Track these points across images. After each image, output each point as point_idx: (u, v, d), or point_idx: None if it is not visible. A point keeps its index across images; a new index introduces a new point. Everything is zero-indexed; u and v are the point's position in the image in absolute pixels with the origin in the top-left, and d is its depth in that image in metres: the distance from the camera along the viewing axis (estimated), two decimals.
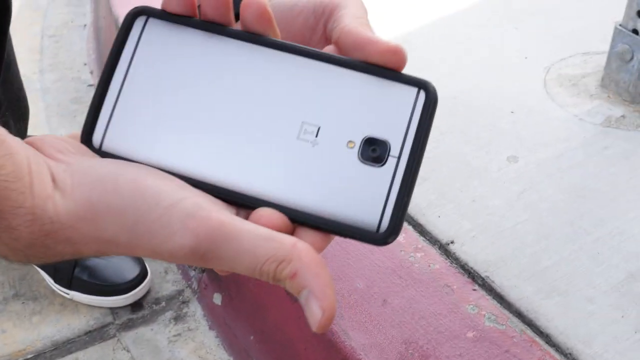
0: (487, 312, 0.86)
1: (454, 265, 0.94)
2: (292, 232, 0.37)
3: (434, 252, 0.95)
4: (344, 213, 0.37)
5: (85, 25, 2.04)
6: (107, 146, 0.39)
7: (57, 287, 1.16)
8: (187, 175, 0.38)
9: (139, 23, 0.40)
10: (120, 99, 0.39)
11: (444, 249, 0.96)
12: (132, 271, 1.14)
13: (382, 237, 0.36)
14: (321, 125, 0.38)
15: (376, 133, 0.37)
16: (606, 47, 1.26)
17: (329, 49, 0.41)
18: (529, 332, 0.85)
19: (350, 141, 0.37)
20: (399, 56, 0.39)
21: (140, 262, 1.16)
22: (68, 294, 1.15)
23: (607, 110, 1.21)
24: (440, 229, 0.99)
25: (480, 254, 0.95)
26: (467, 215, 1.00)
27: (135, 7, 0.40)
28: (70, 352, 1.08)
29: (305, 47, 0.39)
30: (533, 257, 0.94)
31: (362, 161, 0.37)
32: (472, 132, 1.17)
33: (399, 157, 0.37)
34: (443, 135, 1.17)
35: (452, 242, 0.96)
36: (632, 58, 1.20)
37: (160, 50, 0.40)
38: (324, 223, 0.37)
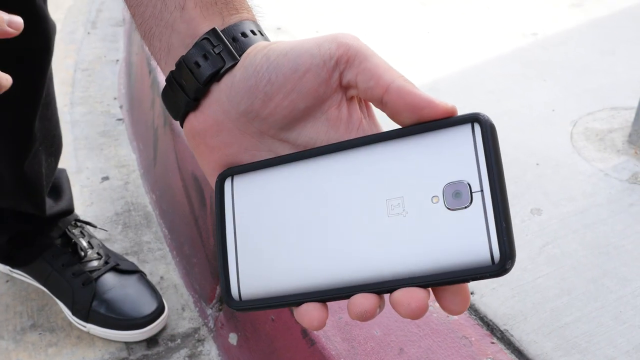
0: None
1: (473, 317, 0.92)
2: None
3: None
4: (457, 261, 0.38)
5: (117, 61, 2.08)
6: (246, 295, 0.44)
7: (74, 320, 1.16)
8: (324, 289, 0.42)
9: (227, 183, 0.45)
10: (239, 252, 0.44)
11: None
12: (149, 306, 1.14)
13: (499, 267, 0.38)
14: (403, 195, 0.40)
15: (452, 179, 0.39)
16: (634, 102, 1.25)
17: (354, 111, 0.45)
18: None
19: (434, 196, 0.39)
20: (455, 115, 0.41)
21: (157, 297, 1.16)
22: (85, 326, 1.15)
23: (633, 167, 1.20)
24: None
25: (500, 307, 0.93)
26: None
27: (222, 172, 0.46)
28: None
29: (356, 138, 0.43)
30: (553, 313, 0.92)
31: (451, 209, 0.39)
32: None
33: (481, 190, 0.38)
34: None
35: (472, 294, 0.95)
36: None
37: (251, 197, 0.44)
38: (447, 279, 0.38)
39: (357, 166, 0.42)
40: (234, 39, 0.46)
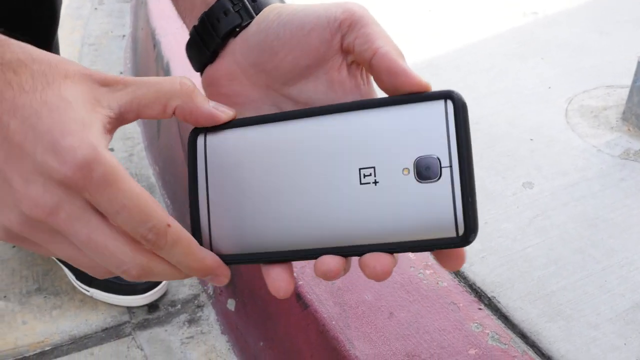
0: (491, 331, 0.88)
1: (461, 284, 0.95)
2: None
3: (443, 270, 0.97)
4: (424, 231, 0.40)
5: (124, 36, 2.10)
6: (217, 249, 0.45)
7: (78, 284, 1.20)
8: (294, 249, 0.44)
9: (200, 139, 0.46)
10: (211, 207, 0.45)
11: None
12: None
13: (463, 238, 0.40)
14: (374, 165, 0.42)
15: (423, 153, 0.40)
16: (629, 81, 1.27)
17: (347, 72, 0.46)
18: (531, 353, 0.86)
19: (404, 168, 0.41)
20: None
21: None
22: (88, 291, 1.19)
23: (626, 143, 1.22)
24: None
25: (489, 275, 0.96)
26: (478, 237, 1.02)
27: (195, 128, 0.46)
28: (87, 347, 1.11)
29: (332, 105, 0.44)
30: (540, 281, 0.95)
31: (421, 182, 0.40)
32: (491, 157, 1.19)
33: (450, 166, 0.40)
34: None
35: None
36: None
37: (224, 155, 0.45)
38: (411, 247, 0.41)
39: (333, 133, 0.43)
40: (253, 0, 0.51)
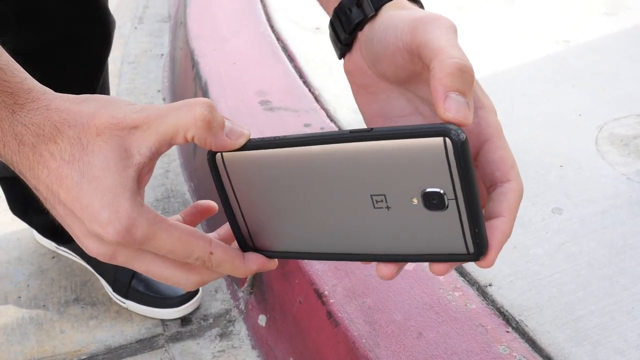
0: (518, 354, 0.90)
1: (490, 306, 0.97)
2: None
3: (471, 292, 0.99)
4: (438, 249, 0.45)
5: (162, 55, 2.16)
6: (258, 245, 0.52)
7: (114, 296, 1.23)
8: (316, 252, 0.50)
9: (218, 157, 0.49)
10: (244, 213, 0.51)
11: (482, 291, 1.00)
12: None
13: (475, 256, 0.45)
14: (384, 193, 0.45)
15: (428, 186, 0.43)
16: None
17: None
18: None
19: (412, 198, 0.44)
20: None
21: None
22: (124, 303, 1.22)
23: None
24: (480, 272, 1.02)
25: (517, 298, 0.98)
26: (507, 261, 1.04)
27: (209, 151, 0.49)
28: (121, 357, 1.15)
29: (338, 132, 0.46)
30: (568, 306, 0.97)
31: (429, 210, 0.44)
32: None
33: (456, 199, 0.43)
34: None
35: (490, 285, 1.00)
36: None
37: (245, 172, 0.49)
38: (425, 259, 0.46)
39: (345, 160, 0.45)
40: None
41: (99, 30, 1.05)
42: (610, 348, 0.91)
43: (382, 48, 0.52)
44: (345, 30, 0.56)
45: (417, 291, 0.98)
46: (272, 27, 1.75)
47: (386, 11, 0.54)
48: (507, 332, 0.94)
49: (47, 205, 0.47)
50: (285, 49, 1.68)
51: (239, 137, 0.48)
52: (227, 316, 1.22)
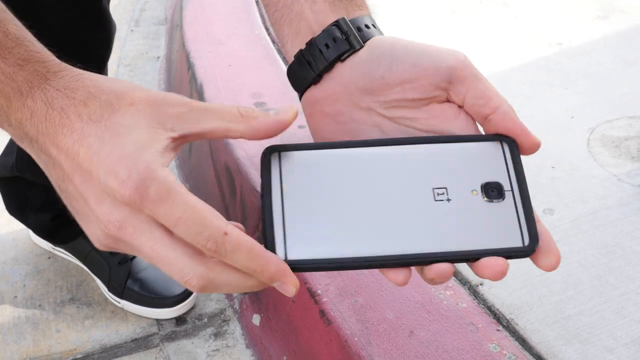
0: (508, 352, 0.91)
1: (481, 305, 0.98)
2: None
3: (463, 292, 1.00)
4: (495, 242, 0.48)
5: (158, 57, 2.17)
6: (291, 257, 0.48)
7: (110, 296, 1.24)
8: (368, 256, 0.48)
9: (274, 157, 0.51)
10: (285, 216, 0.49)
11: (473, 290, 1.01)
12: (179, 286, 1.22)
13: (529, 248, 0.49)
14: (446, 186, 0.50)
15: (489, 179, 0.50)
16: None
17: (454, 113, 0.54)
18: None
19: (473, 190, 0.49)
20: (536, 149, 0.53)
21: None
22: (119, 302, 1.23)
23: None
24: (472, 271, 1.03)
25: (508, 297, 0.99)
26: None
27: (268, 147, 0.51)
28: (116, 356, 1.16)
29: (405, 137, 0.52)
30: (558, 305, 0.98)
31: (489, 201, 0.49)
32: None
33: (512, 190, 0.49)
34: None
35: (481, 284, 1.01)
36: None
37: (301, 173, 0.50)
38: (484, 255, 0.49)
39: (408, 158, 0.50)
40: (359, 29, 0.57)
41: (102, 36, 1.05)
42: (599, 346, 0.92)
43: (399, 69, 0.53)
44: (327, 60, 0.56)
45: (409, 290, 0.99)
46: (267, 29, 1.76)
47: (381, 41, 0.56)
48: (498, 330, 0.95)
49: (60, 186, 0.46)
50: (280, 51, 1.69)
51: (287, 111, 0.49)
52: (222, 316, 1.23)
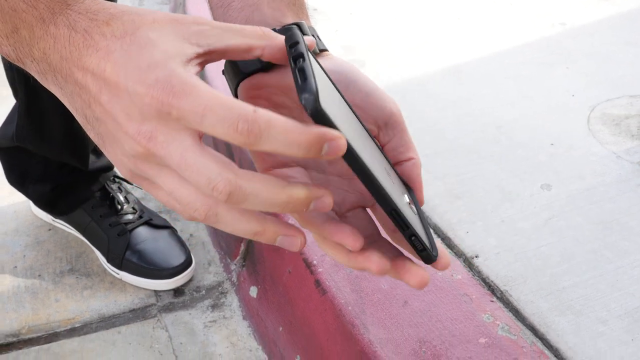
0: (502, 323, 0.91)
1: (475, 277, 0.99)
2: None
3: (458, 264, 1.01)
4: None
5: None
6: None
7: (108, 267, 1.25)
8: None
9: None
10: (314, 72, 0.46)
11: (468, 262, 1.01)
12: (178, 258, 1.23)
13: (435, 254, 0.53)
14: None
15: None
16: None
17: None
18: (539, 344, 0.89)
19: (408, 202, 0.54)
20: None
21: (186, 251, 1.25)
22: (118, 273, 1.24)
23: None
24: (467, 244, 1.04)
25: (502, 270, 0.99)
26: (494, 234, 1.05)
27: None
28: (114, 326, 1.17)
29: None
30: (552, 277, 0.98)
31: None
32: (511, 160, 1.22)
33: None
34: (482, 159, 1.22)
35: (476, 257, 1.02)
36: None
37: None
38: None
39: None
40: (318, 37, 0.59)
41: None
42: (593, 318, 0.92)
43: (355, 93, 0.55)
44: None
45: None
46: None
47: (339, 58, 0.58)
48: (492, 301, 0.95)
49: (87, 114, 0.46)
50: None
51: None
52: (220, 288, 1.24)
